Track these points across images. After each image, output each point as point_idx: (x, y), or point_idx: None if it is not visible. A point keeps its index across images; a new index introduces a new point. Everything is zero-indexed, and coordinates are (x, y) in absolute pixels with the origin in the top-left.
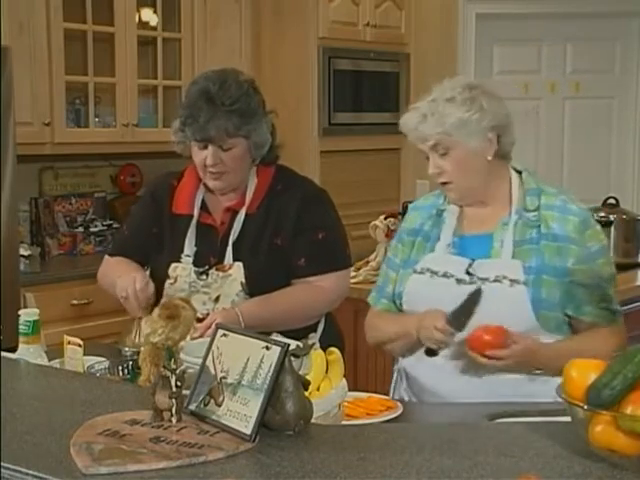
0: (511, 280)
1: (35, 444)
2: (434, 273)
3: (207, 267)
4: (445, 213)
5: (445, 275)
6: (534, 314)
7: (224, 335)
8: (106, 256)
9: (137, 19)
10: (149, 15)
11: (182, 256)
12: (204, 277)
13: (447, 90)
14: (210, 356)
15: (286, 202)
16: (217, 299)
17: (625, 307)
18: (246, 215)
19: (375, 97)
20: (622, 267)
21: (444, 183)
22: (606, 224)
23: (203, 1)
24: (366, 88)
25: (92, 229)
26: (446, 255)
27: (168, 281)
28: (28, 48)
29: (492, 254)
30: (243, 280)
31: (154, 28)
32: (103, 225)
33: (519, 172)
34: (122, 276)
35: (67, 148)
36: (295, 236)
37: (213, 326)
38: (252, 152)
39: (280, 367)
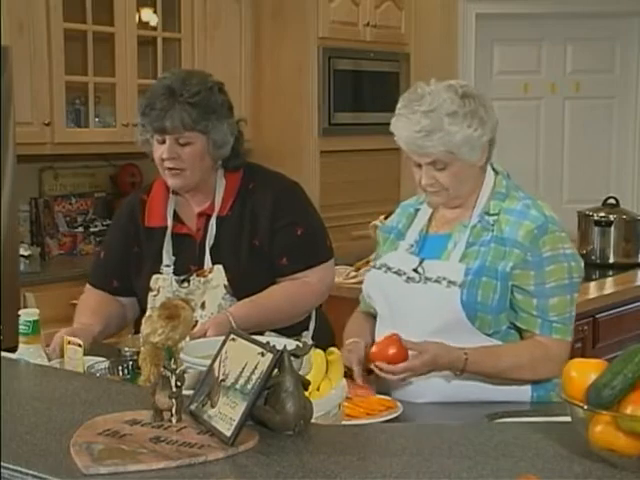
0: (449, 282)
1: (35, 444)
2: (389, 269)
3: (188, 274)
4: (419, 212)
5: (398, 272)
6: (466, 316)
7: (233, 339)
8: (87, 285)
9: (137, 19)
10: (149, 15)
11: (162, 267)
12: (186, 284)
13: (447, 102)
14: (218, 359)
15: (259, 201)
16: (203, 305)
17: (625, 307)
18: (220, 218)
19: (375, 97)
20: (622, 267)
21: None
22: (606, 224)
23: (203, 1)
24: (366, 88)
25: (92, 229)
26: (404, 253)
27: (151, 293)
28: (28, 48)
29: (443, 255)
30: (226, 283)
31: (154, 28)
32: (103, 225)
33: (497, 173)
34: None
35: (67, 148)
36: (273, 235)
37: (208, 333)
38: (211, 152)
39: (269, 375)
